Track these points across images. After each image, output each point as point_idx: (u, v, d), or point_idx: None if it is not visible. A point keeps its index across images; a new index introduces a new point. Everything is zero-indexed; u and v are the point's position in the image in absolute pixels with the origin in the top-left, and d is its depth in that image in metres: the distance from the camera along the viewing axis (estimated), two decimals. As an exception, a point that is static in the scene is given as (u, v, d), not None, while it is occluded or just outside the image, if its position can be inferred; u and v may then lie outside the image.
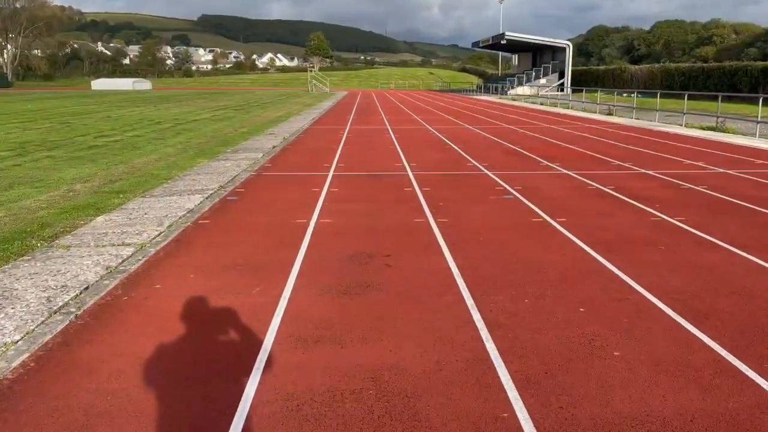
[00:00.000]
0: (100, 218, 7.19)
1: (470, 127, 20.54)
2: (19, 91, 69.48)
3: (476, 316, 4.22)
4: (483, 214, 7.46)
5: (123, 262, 5.46)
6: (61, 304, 4.41)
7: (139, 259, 5.55)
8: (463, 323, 4.11)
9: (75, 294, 4.62)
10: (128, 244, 6.00)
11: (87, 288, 4.78)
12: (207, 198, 8.41)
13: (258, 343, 3.82)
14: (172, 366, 3.54)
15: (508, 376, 3.40)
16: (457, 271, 5.21)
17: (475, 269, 5.26)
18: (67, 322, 4.12)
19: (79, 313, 4.28)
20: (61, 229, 6.69)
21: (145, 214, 7.38)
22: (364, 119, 24.09)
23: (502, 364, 3.54)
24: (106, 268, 5.24)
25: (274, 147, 14.47)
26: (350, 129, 19.68)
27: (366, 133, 18.25)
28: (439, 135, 17.63)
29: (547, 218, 7.20)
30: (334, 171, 10.84)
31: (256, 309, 4.38)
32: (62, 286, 4.78)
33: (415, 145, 14.96)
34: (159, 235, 6.42)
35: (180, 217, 7.20)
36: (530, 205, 7.97)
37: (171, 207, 7.76)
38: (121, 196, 8.55)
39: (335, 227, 6.77)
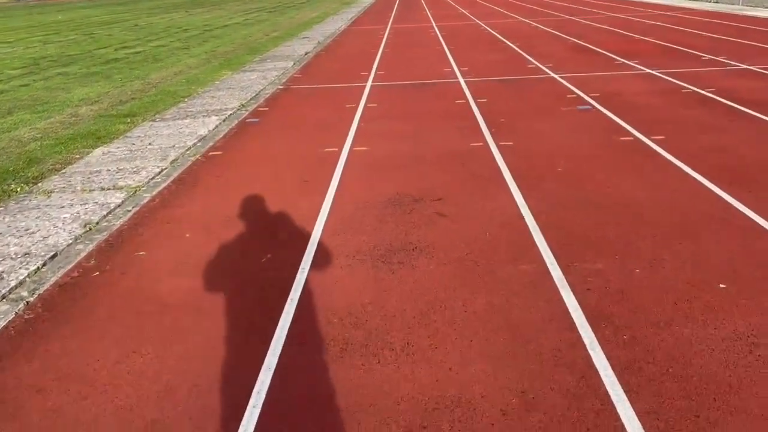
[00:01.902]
0: (97, 151, 6.10)
1: (525, 19, 18.28)
2: (57, 1, 68.24)
3: (570, 301, 2.96)
4: (556, 132, 6.00)
5: (108, 214, 4.37)
6: (13, 284, 3.37)
7: (129, 210, 4.44)
8: (552, 316, 2.86)
9: (36, 267, 3.57)
10: (120, 188, 4.89)
11: (54, 256, 3.73)
12: (224, 121, 7.18)
13: (261, 355, 2.70)
14: (142, 395, 2.46)
15: None
16: (533, 221, 3.90)
17: (556, 218, 3.93)
18: (12, 317, 3.08)
19: (31, 299, 3.23)
20: (50, 167, 5.64)
21: (150, 144, 6.23)
22: (407, 16, 21.90)
23: (628, 405, 2.32)
24: (85, 225, 4.16)
25: (306, 53, 12.94)
26: (391, 28, 17.77)
27: (409, 33, 16.37)
28: (491, 30, 15.61)
29: (640, 136, 5.69)
30: (373, 81, 9.36)
31: (266, 289, 3.24)
32: (24, 254, 3.74)
33: (464, 44, 13.14)
34: (160, 173, 5.29)
35: (188, 148, 6.02)
36: (614, 117, 6.42)
37: (181, 134, 6.58)
38: (128, 120, 7.40)
39: (372, 157, 5.47)
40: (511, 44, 12.78)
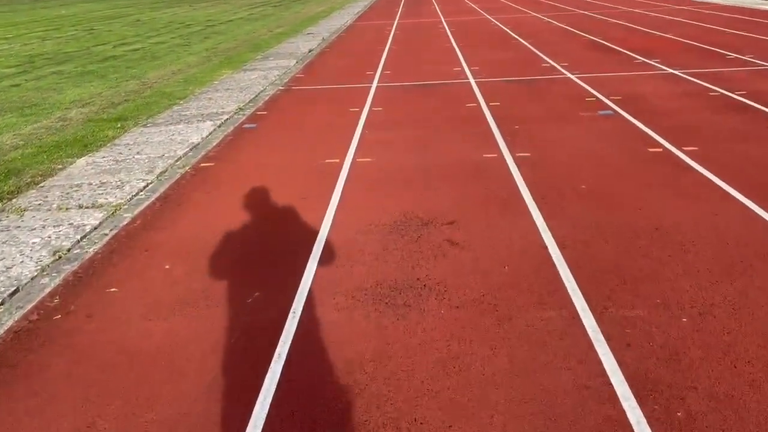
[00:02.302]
0: (81, 161, 5.66)
1: (538, 15, 17.71)
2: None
3: (608, 361, 2.49)
4: (576, 141, 5.51)
5: (82, 239, 3.93)
6: (-38, 330, 2.94)
7: (105, 234, 4.00)
8: (588, 382, 2.40)
9: (-8, 307, 3.14)
10: (99, 206, 4.46)
11: (15, 292, 3.29)
12: (220, 126, 6.73)
13: (241, 428, 2.25)
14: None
15: None
16: (557, 252, 3.43)
17: (584, 248, 3.46)
18: (-47, 375, 2.65)
19: (-22, 353, 2.80)
20: (29, 180, 5.21)
21: (138, 153, 5.79)
22: (415, 11, 21.36)
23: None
24: (55, 253, 3.72)
25: (310, 51, 12.46)
26: (399, 24, 17.26)
27: (417, 28, 15.86)
28: (503, 26, 15.07)
29: (670, 147, 5.20)
30: (378, 81, 8.88)
31: (251, 338, 2.79)
32: (-19, 290, 3.31)
33: (475, 41, 12.63)
34: (145, 188, 4.85)
35: (178, 159, 5.57)
36: (639, 124, 5.93)
37: (172, 141, 6.14)
38: (119, 125, 6.97)
39: (376, 170, 5.01)
40: (523, 41, 12.26)
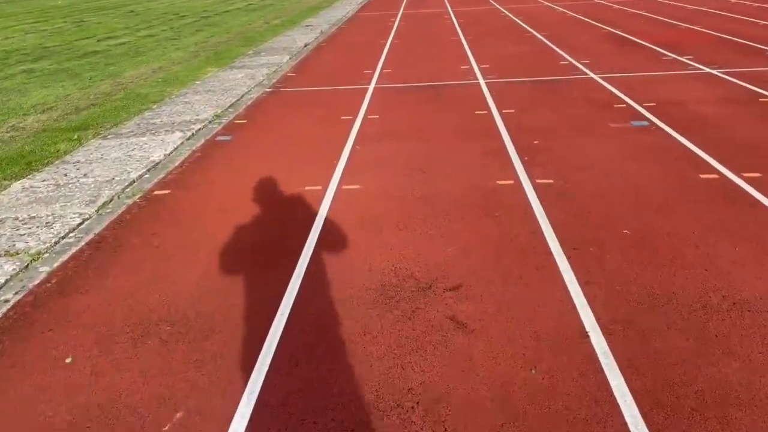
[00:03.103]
0: (16, 185, 4.76)
1: (550, 4, 16.61)
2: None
3: None
4: (609, 162, 4.55)
5: (-24, 307, 3.02)
6: None
7: (7, 300, 3.09)
8: None
9: None
10: (14, 255, 3.55)
11: None
12: (189, 139, 5.80)
13: None
14: None
15: None
16: (604, 346, 2.48)
17: (641, 341, 2.51)
18: None
19: None
20: (-52, 212, 4.31)
21: (85, 175, 4.87)
22: (421, 1, 20.28)
23: None
24: (-68, 331, 2.82)
25: (306, 45, 11.49)
26: (403, 14, 16.21)
27: (422, 20, 14.82)
28: (514, 17, 14.02)
29: (726, 172, 4.22)
30: (377, 81, 7.92)
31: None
32: None
33: (484, 34, 11.60)
34: (78, 227, 3.93)
35: (130, 184, 4.65)
36: (682, 140, 4.95)
37: (130, 159, 5.22)
38: (76, 136, 6.06)
39: (363, 203, 4.06)
40: (537, 34, 11.22)
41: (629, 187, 4.07)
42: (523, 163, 4.62)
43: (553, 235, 3.45)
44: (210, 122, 6.35)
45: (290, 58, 10.16)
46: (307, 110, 6.70)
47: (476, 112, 6.15)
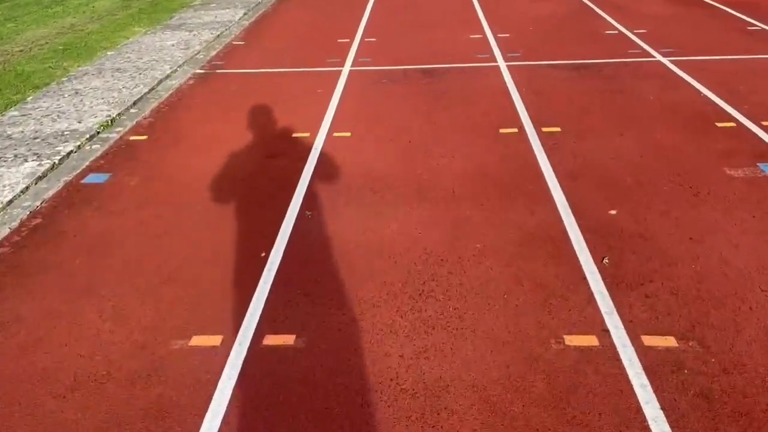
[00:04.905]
0: None
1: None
2: None
3: None
4: (748, 265, 2.44)
5: None
6: None
7: None
8: None
9: None
10: None
11: None
12: (44, 177, 3.60)
13: None
14: None
15: None
16: None
17: None
18: None
19: None
20: None
21: None
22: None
23: None
24: None
25: (270, -7, 9.00)
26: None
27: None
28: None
29: None
30: (354, 60, 5.63)
31: None
32: None
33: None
34: None
35: None
36: None
37: None
38: None
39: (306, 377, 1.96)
40: (565, -16, 8.78)
41: (839, 371, 1.98)
42: (604, 278, 2.49)
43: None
44: (89, 138, 4.11)
45: (245, 14, 7.75)
46: (243, 111, 4.46)
47: (500, 131, 3.96)
